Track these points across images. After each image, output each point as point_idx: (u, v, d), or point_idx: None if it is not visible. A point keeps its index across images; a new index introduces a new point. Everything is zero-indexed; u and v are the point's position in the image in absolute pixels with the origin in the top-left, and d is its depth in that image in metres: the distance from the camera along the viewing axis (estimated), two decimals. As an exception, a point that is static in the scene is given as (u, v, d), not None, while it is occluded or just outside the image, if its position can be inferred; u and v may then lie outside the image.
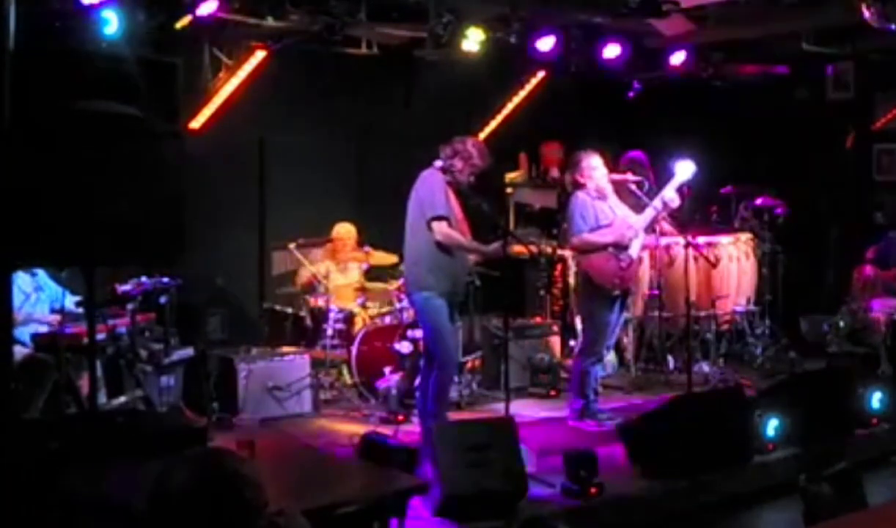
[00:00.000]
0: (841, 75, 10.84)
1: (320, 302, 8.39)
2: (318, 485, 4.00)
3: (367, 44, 8.80)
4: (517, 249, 7.35)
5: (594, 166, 7.36)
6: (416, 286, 6.74)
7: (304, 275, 8.65)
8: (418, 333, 7.61)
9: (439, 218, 6.57)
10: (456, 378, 7.53)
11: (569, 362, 8.53)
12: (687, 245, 7.90)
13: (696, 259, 8.23)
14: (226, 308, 8.81)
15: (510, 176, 10.55)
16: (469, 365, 8.24)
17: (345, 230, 8.79)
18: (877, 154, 10.82)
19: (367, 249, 8.71)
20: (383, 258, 8.67)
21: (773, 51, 10.00)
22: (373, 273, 8.89)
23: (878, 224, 10.16)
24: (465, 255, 6.83)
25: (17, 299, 6.65)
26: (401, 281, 8.15)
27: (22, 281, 6.84)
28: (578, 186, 7.37)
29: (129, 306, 6.94)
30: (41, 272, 7.00)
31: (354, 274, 8.75)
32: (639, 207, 7.98)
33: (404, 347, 7.87)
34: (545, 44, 8.70)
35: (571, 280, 7.98)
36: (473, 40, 8.25)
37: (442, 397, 6.77)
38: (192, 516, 2.35)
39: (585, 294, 7.41)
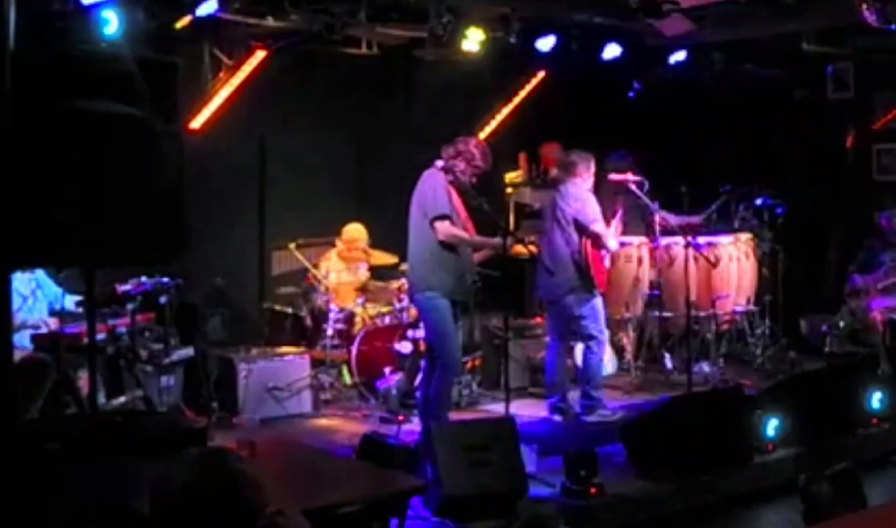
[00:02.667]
0: (841, 75, 10.83)
1: (320, 302, 8.39)
2: (318, 485, 4.00)
3: (367, 44, 8.80)
4: (517, 249, 7.38)
5: (592, 171, 7.58)
6: (420, 286, 6.74)
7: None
8: (418, 333, 7.63)
9: (441, 217, 6.58)
10: (455, 378, 7.54)
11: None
12: (687, 245, 7.90)
13: (696, 259, 8.23)
14: (226, 308, 8.82)
15: (510, 176, 10.53)
16: (469, 365, 8.23)
17: (356, 231, 8.76)
18: (877, 154, 10.82)
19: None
20: (383, 259, 8.67)
21: (773, 51, 9.99)
22: (373, 273, 8.90)
23: (877, 224, 10.15)
24: (469, 254, 6.83)
25: (15, 302, 6.64)
26: (401, 281, 8.16)
27: (19, 283, 6.82)
28: (572, 177, 7.50)
29: (129, 306, 6.94)
30: (40, 272, 6.99)
31: (362, 273, 8.75)
32: (637, 208, 8.05)
33: (404, 347, 7.87)
34: (545, 44, 8.70)
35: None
36: (473, 40, 8.24)
37: (443, 397, 6.77)
38: (192, 515, 2.36)
39: (590, 289, 7.51)
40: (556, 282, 7.49)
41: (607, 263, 7.80)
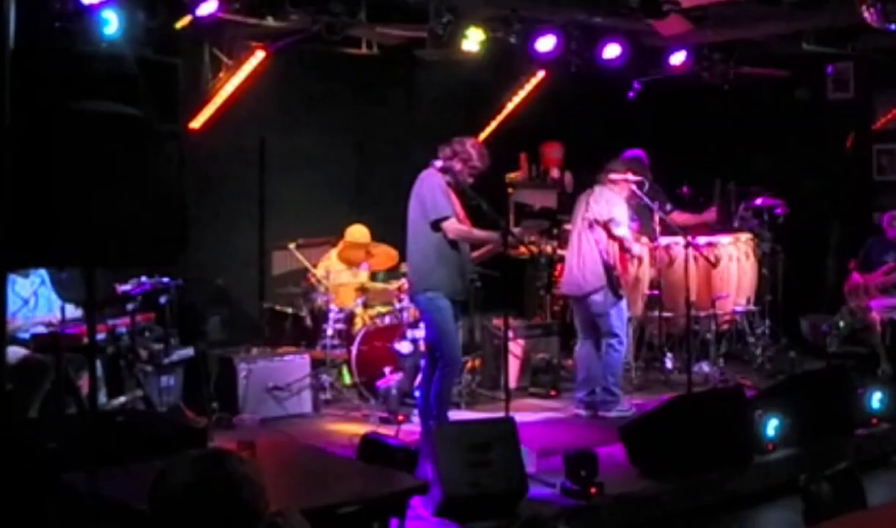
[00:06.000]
0: (841, 75, 10.83)
1: (320, 302, 8.39)
2: (318, 485, 4.00)
3: (367, 44, 8.80)
4: (518, 249, 7.39)
5: (629, 176, 7.80)
6: (420, 287, 6.74)
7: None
8: (418, 333, 7.62)
9: (446, 219, 6.58)
10: (456, 378, 7.54)
11: (569, 362, 8.55)
12: (687, 245, 7.91)
13: (696, 259, 8.23)
14: (226, 308, 8.81)
15: (510, 176, 10.54)
16: (469, 365, 8.24)
17: (359, 233, 8.75)
18: (877, 154, 10.82)
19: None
20: (386, 255, 8.65)
21: (773, 51, 9.99)
22: (373, 274, 8.90)
23: (877, 224, 10.15)
24: (468, 253, 6.84)
25: (15, 304, 6.64)
26: (401, 281, 8.16)
27: (20, 286, 6.83)
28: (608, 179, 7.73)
29: (129, 306, 6.94)
30: (42, 272, 6.99)
31: (362, 274, 8.75)
32: (642, 208, 8.07)
33: (404, 347, 7.86)
34: (545, 44, 8.70)
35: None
36: (473, 40, 8.24)
37: (444, 397, 6.77)
38: (192, 516, 2.35)
39: (616, 290, 7.68)
40: (584, 280, 7.63)
41: (634, 265, 7.99)
